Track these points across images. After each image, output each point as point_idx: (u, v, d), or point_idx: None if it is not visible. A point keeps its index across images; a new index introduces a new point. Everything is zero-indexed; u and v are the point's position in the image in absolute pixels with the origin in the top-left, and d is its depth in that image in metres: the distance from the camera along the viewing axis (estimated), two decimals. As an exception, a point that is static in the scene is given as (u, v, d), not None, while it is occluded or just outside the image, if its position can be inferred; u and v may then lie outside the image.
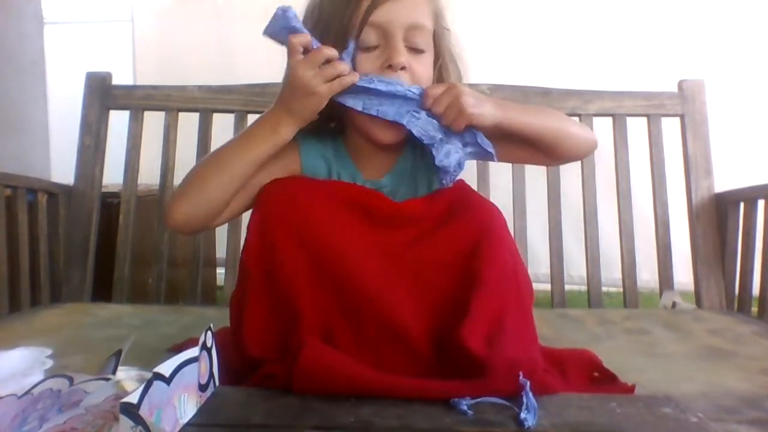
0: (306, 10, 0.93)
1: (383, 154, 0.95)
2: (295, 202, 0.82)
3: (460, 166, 0.87)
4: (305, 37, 0.82)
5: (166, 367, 0.59)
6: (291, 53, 0.83)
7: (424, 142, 0.86)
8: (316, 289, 0.79)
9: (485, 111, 0.85)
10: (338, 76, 0.83)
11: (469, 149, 0.88)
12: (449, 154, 0.86)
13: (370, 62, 0.87)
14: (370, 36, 0.86)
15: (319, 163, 0.95)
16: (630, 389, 0.86)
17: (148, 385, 0.55)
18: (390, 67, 0.86)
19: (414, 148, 0.96)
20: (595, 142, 1.00)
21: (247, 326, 0.81)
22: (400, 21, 0.86)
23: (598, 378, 0.91)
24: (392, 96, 0.84)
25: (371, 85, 0.84)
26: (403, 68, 0.86)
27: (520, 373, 0.67)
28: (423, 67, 0.90)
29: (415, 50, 0.89)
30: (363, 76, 0.84)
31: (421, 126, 0.85)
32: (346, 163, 0.95)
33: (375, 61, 0.87)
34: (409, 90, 0.85)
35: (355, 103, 0.85)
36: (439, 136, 0.86)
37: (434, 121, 0.86)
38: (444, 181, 0.88)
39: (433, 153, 0.86)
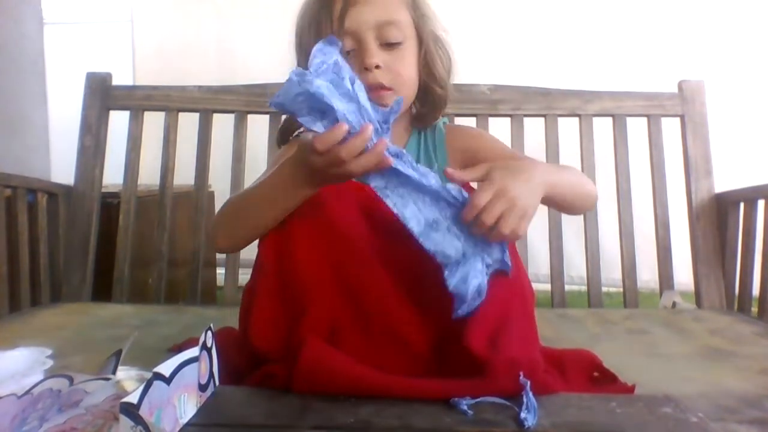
0: (294, 35, 0.97)
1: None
2: (313, 201, 0.82)
3: (480, 294, 0.72)
4: (335, 134, 0.69)
5: (166, 367, 0.58)
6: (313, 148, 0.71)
7: (437, 259, 0.72)
8: (325, 287, 0.79)
9: (534, 208, 0.76)
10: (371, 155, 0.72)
11: (489, 269, 0.74)
12: (467, 278, 0.71)
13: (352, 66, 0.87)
14: (345, 42, 0.89)
15: None
16: (630, 389, 0.86)
17: (148, 385, 0.55)
18: (365, 69, 0.89)
19: (419, 133, 1.02)
20: (596, 197, 0.99)
21: (255, 318, 0.81)
22: (368, 22, 0.90)
23: (598, 378, 0.91)
24: (419, 187, 0.72)
25: (402, 168, 0.71)
26: (377, 67, 0.89)
27: (521, 373, 0.67)
28: (401, 61, 0.91)
29: (390, 45, 0.91)
30: (396, 156, 0.72)
31: (438, 241, 0.72)
32: None
33: (354, 65, 0.87)
34: (444, 188, 0.72)
35: (376, 181, 0.73)
36: (456, 256, 0.72)
37: (456, 236, 0.72)
38: (459, 311, 0.72)
39: (445, 275, 0.71)
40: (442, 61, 0.99)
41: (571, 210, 0.97)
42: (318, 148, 0.70)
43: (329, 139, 0.69)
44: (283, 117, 1.08)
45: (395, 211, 0.72)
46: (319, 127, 0.70)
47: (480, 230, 0.72)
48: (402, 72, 0.92)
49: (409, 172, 0.72)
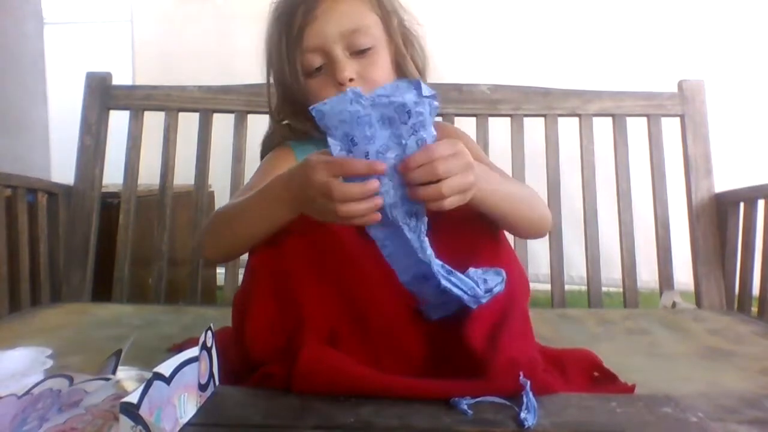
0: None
1: None
2: None
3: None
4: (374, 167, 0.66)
5: (166, 367, 0.59)
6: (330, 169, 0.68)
7: (420, 306, 0.74)
8: (321, 293, 0.78)
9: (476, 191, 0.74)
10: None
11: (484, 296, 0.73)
12: (448, 311, 0.74)
13: (322, 86, 0.87)
14: (313, 60, 0.87)
15: None
16: (630, 389, 0.86)
17: (148, 384, 0.55)
18: (340, 84, 0.86)
19: None
20: (549, 225, 0.94)
21: (251, 327, 0.79)
22: (333, 34, 0.86)
23: (598, 378, 0.91)
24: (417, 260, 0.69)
25: (406, 231, 0.68)
26: (351, 80, 0.86)
27: (521, 373, 0.67)
28: (375, 67, 0.88)
29: (360, 52, 0.88)
30: (392, 207, 0.68)
31: (423, 291, 0.72)
32: None
33: (326, 83, 0.87)
34: (442, 271, 0.69)
35: (376, 232, 0.71)
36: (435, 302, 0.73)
37: (444, 289, 0.70)
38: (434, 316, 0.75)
39: (422, 309, 0.75)
40: (414, 59, 0.96)
41: (514, 230, 0.90)
42: (319, 176, 0.67)
43: (340, 170, 0.66)
44: (267, 127, 1.06)
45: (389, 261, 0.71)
46: (340, 154, 0.66)
47: (421, 177, 0.66)
48: (377, 78, 0.88)
49: (411, 237, 0.68)
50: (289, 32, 0.87)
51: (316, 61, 0.87)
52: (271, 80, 1.00)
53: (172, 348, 1.03)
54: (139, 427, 0.53)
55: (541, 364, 0.78)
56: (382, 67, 0.90)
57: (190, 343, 0.79)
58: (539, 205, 0.92)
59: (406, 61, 0.93)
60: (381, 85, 0.79)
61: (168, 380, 0.58)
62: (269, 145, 1.04)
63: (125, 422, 0.53)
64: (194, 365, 0.64)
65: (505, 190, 0.84)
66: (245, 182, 1.57)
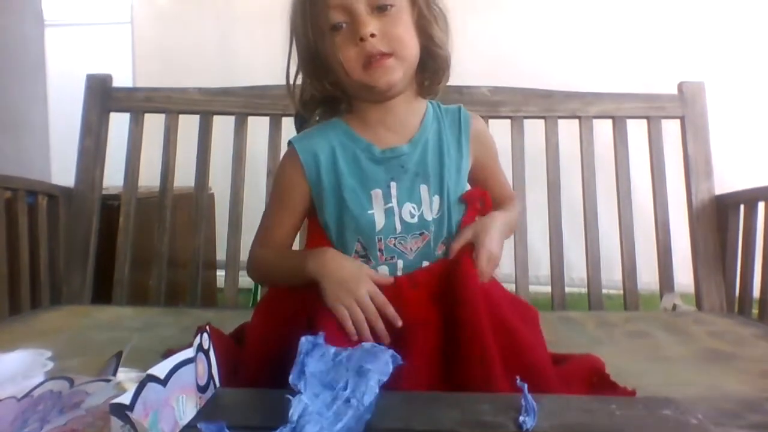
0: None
1: (395, 118, 0.97)
2: None
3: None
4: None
5: (160, 369, 0.58)
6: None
7: None
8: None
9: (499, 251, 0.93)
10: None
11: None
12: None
13: (345, 40, 0.89)
14: (336, 16, 0.89)
15: (318, 155, 0.96)
16: (631, 394, 0.86)
17: (141, 386, 0.55)
18: (361, 40, 0.88)
19: (437, 120, 1.00)
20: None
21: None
22: None
23: (596, 384, 0.90)
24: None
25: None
26: (372, 36, 0.88)
27: (518, 377, 0.67)
28: (396, 24, 0.90)
29: (382, 10, 0.89)
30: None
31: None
32: (357, 140, 0.96)
33: (349, 39, 0.89)
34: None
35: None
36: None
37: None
38: None
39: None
40: (438, 22, 0.96)
41: None
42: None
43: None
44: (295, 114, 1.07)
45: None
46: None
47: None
48: (399, 33, 0.90)
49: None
50: None
51: (340, 17, 0.89)
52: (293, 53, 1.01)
53: (166, 353, 1.02)
54: (128, 427, 0.53)
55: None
56: (404, 26, 0.91)
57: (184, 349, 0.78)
58: (516, 217, 1.06)
59: (431, 25, 0.94)
60: (404, 41, 0.90)
61: (163, 382, 0.58)
62: (299, 122, 1.07)
63: (115, 422, 0.53)
64: (190, 366, 0.64)
65: (505, 227, 0.96)
66: (246, 184, 1.59)
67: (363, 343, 0.69)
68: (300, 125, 1.05)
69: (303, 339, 0.66)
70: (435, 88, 1.01)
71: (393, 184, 0.94)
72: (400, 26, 0.90)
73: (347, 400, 0.61)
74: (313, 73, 0.98)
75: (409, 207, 0.94)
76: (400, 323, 0.84)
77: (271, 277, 1.02)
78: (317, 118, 1.02)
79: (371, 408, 0.62)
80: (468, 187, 1.03)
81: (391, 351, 0.68)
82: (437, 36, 0.95)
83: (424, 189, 0.95)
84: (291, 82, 1.00)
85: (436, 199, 0.95)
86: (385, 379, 0.64)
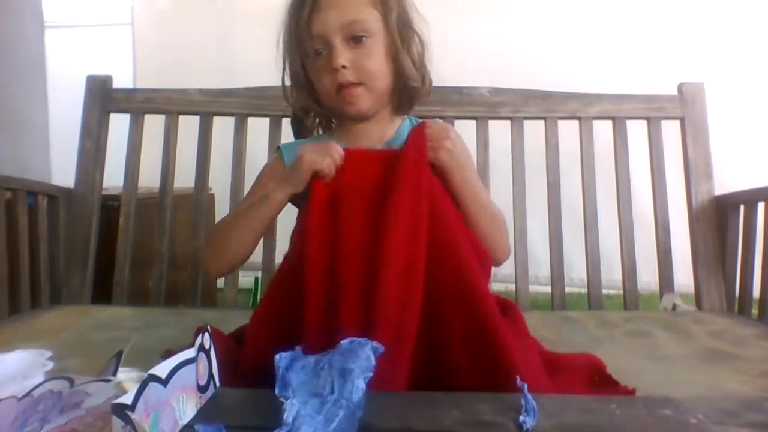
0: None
1: (373, 134, 1.03)
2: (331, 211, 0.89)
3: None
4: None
5: (161, 369, 0.58)
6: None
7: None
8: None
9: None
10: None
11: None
12: None
13: (322, 67, 0.97)
14: (316, 44, 0.97)
15: None
16: (631, 393, 0.86)
17: (143, 386, 0.55)
18: (334, 69, 0.95)
19: (411, 120, 1.07)
20: (505, 256, 1.03)
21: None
22: (333, 26, 0.95)
23: (598, 382, 0.91)
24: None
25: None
26: (343, 67, 0.95)
27: (518, 377, 0.67)
28: (367, 57, 0.96)
29: (356, 41, 0.96)
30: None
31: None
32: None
33: (326, 66, 0.96)
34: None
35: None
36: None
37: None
38: None
39: None
40: (411, 54, 1.01)
41: (476, 233, 0.97)
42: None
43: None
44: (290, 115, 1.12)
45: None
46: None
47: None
48: (368, 66, 0.96)
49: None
50: (299, 19, 0.97)
51: (319, 45, 0.97)
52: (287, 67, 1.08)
53: (165, 354, 1.02)
54: (128, 427, 0.53)
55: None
56: (374, 58, 0.97)
57: (183, 350, 0.78)
58: (502, 230, 1.02)
59: (401, 54, 0.99)
60: (372, 72, 0.97)
61: (164, 382, 0.58)
62: (296, 125, 1.13)
63: (116, 422, 0.53)
64: (191, 367, 0.64)
65: (476, 192, 0.98)
66: (246, 185, 1.59)
67: (341, 343, 0.67)
68: (297, 127, 1.12)
69: (277, 356, 0.65)
70: (410, 109, 1.07)
71: None
72: (371, 59, 0.97)
73: (336, 402, 0.62)
74: (302, 88, 1.05)
75: None
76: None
77: (231, 233, 1.02)
78: (315, 120, 1.10)
79: (361, 405, 0.62)
80: None
81: (370, 344, 0.67)
82: (407, 68, 1.00)
83: None
84: (287, 85, 1.07)
85: None
86: (370, 374, 0.64)
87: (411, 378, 0.79)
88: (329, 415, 0.60)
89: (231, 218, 1.07)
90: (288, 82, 1.07)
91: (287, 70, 1.06)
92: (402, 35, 1.00)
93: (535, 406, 0.63)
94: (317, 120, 1.10)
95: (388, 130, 1.05)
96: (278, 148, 1.08)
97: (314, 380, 0.64)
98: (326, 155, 0.90)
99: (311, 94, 1.04)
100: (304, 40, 0.98)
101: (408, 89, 1.02)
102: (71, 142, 1.64)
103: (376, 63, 0.97)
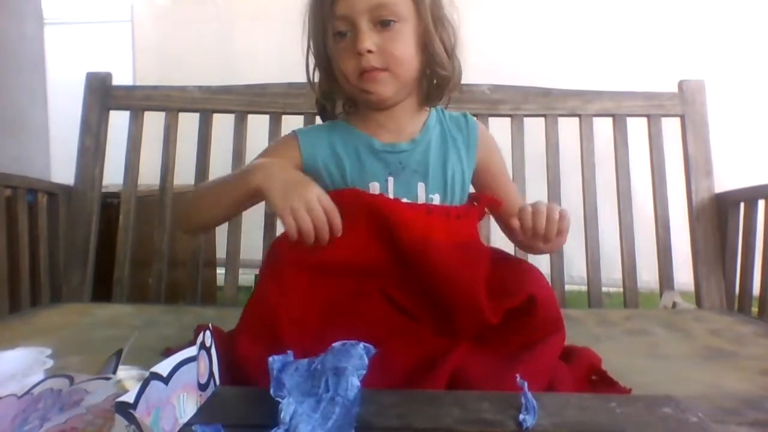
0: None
1: (395, 123, 1.00)
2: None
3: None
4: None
5: (163, 367, 0.58)
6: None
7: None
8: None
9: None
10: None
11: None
12: None
13: (345, 49, 0.93)
14: (340, 25, 0.93)
15: (319, 150, 1.00)
16: (627, 392, 0.85)
17: (145, 384, 0.55)
18: (359, 53, 0.91)
19: (440, 124, 1.03)
20: None
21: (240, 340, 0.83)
22: (360, 7, 0.90)
23: (595, 381, 0.91)
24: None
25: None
26: (369, 51, 0.91)
27: (518, 376, 0.67)
28: (394, 41, 0.92)
29: (384, 25, 0.92)
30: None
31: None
32: (358, 135, 1.00)
33: (350, 49, 0.92)
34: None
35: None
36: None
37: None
38: None
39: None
40: (443, 41, 0.97)
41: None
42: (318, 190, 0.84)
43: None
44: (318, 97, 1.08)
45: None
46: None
47: (537, 236, 0.87)
48: (396, 52, 0.92)
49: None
50: (324, 2, 0.94)
51: (343, 26, 0.92)
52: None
53: (165, 352, 1.02)
54: (133, 427, 0.53)
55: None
56: (402, 44, 0.93)
57: (183, 348, 0.78)
58: None
59: (434, 40, 0.95)
60: (399, 58, 0.92)
61: (166, 380, 0.58)
62: (321, 111, 1.09)
63: (120, 421, 0.53)
64: (192, 365, 0.64)
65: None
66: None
67: (333, 345, 0.68)
68: (322, 113, 1.09)
69: (270, 359, 0.65)
70: (438, 99, 1.03)
71: (390, 179, 0.97)
72: (399, 44, 0.92)
73: (332, 400, 0.62)
74: (325, 71, 1.01)
75: (405, 200, 0.95)
76: (340, 233, 0.84)
77: (203, 202, 1.00)
78: (344, 107, 1.06)
79: (357, 401, 0.63)
80: (472, 190, 1.06)
81: (362, 344, 0.67)
82: (439, 55, 0.96)
83: (421, 187, 0.97)
84: (311, 72, 1.04)
85: (436, 197, 0.98)
86: (363, 372, 0.65)
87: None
88: (326, 413, 0.60)
89: (212, 184, 1.02)
90: (312, 65, 1.03)
91: (311, 50, 1.02)
92: (435, 21, 0.95)
93: (535, 405, 0.63)
94: (343, 105, 1.06)
95: (414, 123, 1.01)
96: (294, 132, 1.05)
97: (308, 381, 0.64)
98: (301, 208, 0.82)
99: (333, 77, 1.00)
100: (327, 19, 0.94)
101: (437, 79, 0.99)
102: (71, 139, 1.64)
103: (405, 49, 0.93)
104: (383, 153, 0.98)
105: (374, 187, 0.96)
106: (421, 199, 0.97)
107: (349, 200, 0.90)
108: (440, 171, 0.98)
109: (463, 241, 0.92)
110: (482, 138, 1.05)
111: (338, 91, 1.02)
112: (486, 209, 1.00)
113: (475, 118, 1.07)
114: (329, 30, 0.94)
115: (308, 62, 1.03)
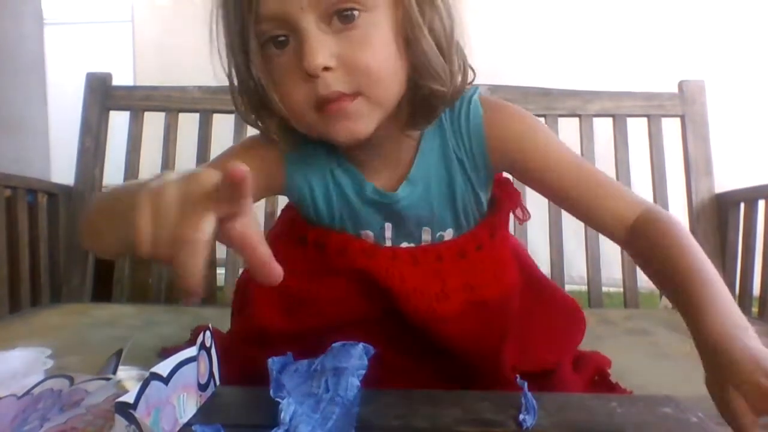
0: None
1: (382, 159, 0.73)
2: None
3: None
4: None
5: (163, 367, 0.58)
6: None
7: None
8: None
9: None
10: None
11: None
12: None
13: (287, 70, 0.62)
14: (269, 28, 0.61)
15: (310, 183, 0.75)
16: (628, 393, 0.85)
17: (145, 384, 0.55)
18: (309, 76, 0.60)
19: (439, 137, 0.73)
20: None
21: (258, 303, 0.74)
22: (299, 2, 0.59)
23: (596, 382, 0.90)
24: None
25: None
26: (326, 69, 0.60)
27: (517, 376, 0.67)
28: (362, 46, 0.61)
29: (342, 19, 0.60)
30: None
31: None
32: (350, 172, 0.74)
33: (293, 67, 0.62)
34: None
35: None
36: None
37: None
38: None
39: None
40: (435, 31, 0.64)
41: None
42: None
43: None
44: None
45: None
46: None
47: None
48: (367, 62, 0.61)
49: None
50: None
51: (277, 30, 0.61)
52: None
53: (162, 352, 1.02)
54: (133, 427, 0.53)
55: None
56: (377, 45, 0.61)
57: (179, 349, 0.77)
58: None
59: (420, 33, 0.62)
60: (374, 72, 0.62)
61: (166, 380, 0.58)
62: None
63: (120, 422, 0.53)
64: (192, 365, 0.64)
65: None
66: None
67: (333, 345, 0.64)
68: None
69: (270, 360, 0.64)
70: (430, 121, 0.71)
71: (388, 225, 0.76)
72: (369, 48, 0.61)
73: (332, 400, 0.62)
74: (256, 104, 0.70)
75: (406, 245, 0.77)
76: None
77: (95, 215, 0.62)
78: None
79: (357, 401, 0.63)
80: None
81: (361, 344, 0.63)
82: (429, 56, 0.64)
83: (426, 231, 0.77)
84: (235, 98, 0.73)
85: (447, 233, 0.77)
86: (363, 372, 0.64)
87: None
88: (326, 413, 0.60)
89: (107, 197, 0.62)
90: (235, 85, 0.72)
91: (232, 72, 0.72)
92: (424, 5, 0.63)
93: (535, 405, 0.63)
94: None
95: (404, 148, 0.72)
96: (284, 154, 0.75)
97: (308, 382, 0.64)
98: (181, 237, 0.45)
99: (270, 112, 0.68)
100: (249, 22, 0.62)
101: (426, 91, 0.66)
102: (71, 139, 1.64)
103: (380, 54, 0.61)
104: (377, 203, 0.74)
105: (367, 235, 0.76)
106: (427, 241, 0.77)
107: (337, 247, 0.72)
108: (448, 206, 0.75)
109: (481, 301, 0.72)
110: (491, 136, 0.73)
111: (282, 127, 0.70)
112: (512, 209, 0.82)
113: (478, 102, 0.75)
114: (252, 39, 0.63)
115: (231, 82, 0.72)
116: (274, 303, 0.74)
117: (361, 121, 0.63)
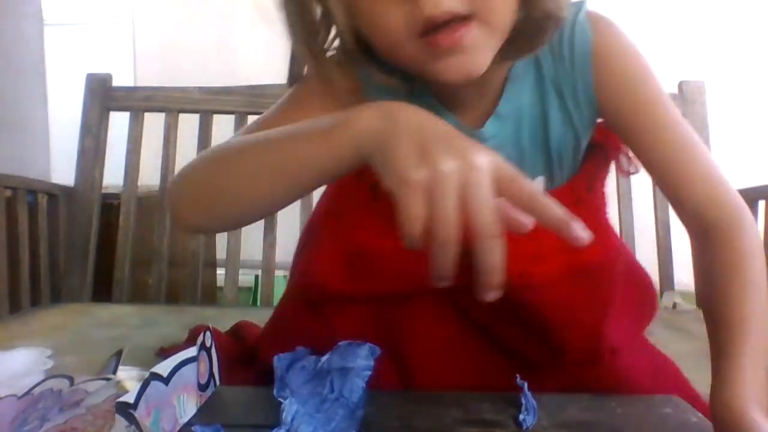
0: None
1: (475, 82, 0.57)
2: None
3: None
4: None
5: (163, 367, 0.58)
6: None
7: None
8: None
9: None
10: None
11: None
12: None
13: (393, 13, 0.51)
14: None
15: None
16: None
17: (145, 385, 0.55)
18: (428, 19, 0.49)
19: (534, 68, 0.63)
20: None
21: (317, 257, 0.66)
22: None
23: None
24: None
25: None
26: (451, 19, 0.49)
27: (517, 376, 0.66)
28: None
29: None
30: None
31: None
32: (431, 105, 0.61)
33: (400, 8, 0.50)
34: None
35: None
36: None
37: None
38: None
39: None
40: None
41: None
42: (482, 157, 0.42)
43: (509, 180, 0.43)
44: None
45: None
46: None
47: None
48: (498, 8, 0.52)
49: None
50: None
51: None
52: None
53: (160, 352, 1.02)
54: (133, 427, 0.53)
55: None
56: None
57: (177, 348, 0.77)
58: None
59: None
60: (500, 24, 0.54)
61: (166, 381, 0.58)
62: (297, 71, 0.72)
63: (120, 422, 0.53)
64: (192, 365, 0.64)
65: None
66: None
67: (339, 344, 0.62)
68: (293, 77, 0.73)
69: (276, 357, 0.64)
70: (533, 50, 0.60)
71: None
72: None
73: (336, 401, 0.62)
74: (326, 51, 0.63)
75: None
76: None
77: (229, 181, 0.56)
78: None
79: (362, 403, 0.63)
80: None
81: (368, 345, 0.61)
82: None
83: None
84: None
85: (538, 180, 0.68)
86: (368, 372, 0.63)
87: None
88: (329, 414, 0.60)
89: (240, 150, 0.57)
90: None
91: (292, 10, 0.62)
92: None
93: (535, 405, 0.63)
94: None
95: (491, 83, 0.62)
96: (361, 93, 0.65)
97: (314, 380, 0.64)
98: (447, 181, 0.41)
99: (357, 42, 0.57)
100: None
101: (539, 14, 0.56)
102: (71, 140, 1.64)
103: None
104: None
105: None
106: None
107: None
108: (541, 149, 0.65)
109: (582, 265, 0.61)
110: (601, 69, 0.62)
111: (366, 63, 0.60)
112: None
113: (586, 22, 0.62)
114: None
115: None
116: (335, 259, 0.64)
117: (479, 53, 0.53)
